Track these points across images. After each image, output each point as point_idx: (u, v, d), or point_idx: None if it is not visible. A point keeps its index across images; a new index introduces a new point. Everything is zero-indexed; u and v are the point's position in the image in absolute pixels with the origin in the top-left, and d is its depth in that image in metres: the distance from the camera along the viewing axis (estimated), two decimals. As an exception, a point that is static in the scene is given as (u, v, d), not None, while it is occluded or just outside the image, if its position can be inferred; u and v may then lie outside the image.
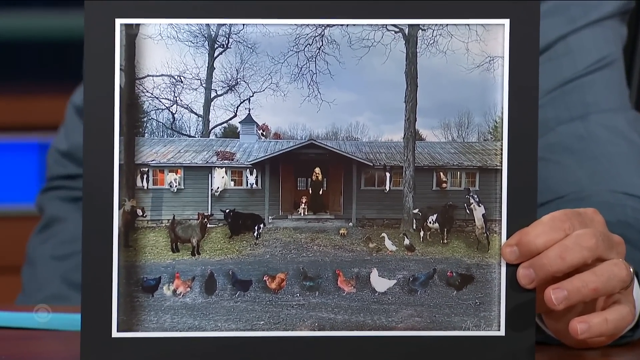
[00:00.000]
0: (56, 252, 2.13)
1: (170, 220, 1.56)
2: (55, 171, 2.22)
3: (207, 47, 1.55)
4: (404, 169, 1.56)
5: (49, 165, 2.20)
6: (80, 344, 1.27)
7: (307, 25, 1.51)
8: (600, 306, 1.32)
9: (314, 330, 1.32)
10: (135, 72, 1.55)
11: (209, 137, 1.56)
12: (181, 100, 1.56)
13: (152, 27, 1.53)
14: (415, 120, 1.55)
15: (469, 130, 1.57)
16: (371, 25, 1.50)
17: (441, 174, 1.57)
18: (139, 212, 1.55)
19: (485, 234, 1.54)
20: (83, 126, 1.47)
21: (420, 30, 1.50)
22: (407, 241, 1.55)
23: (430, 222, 1.56)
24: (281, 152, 1.56)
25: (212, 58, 1.56)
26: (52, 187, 2.20)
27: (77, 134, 1.97)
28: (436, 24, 1.49)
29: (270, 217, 1.57)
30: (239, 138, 1.57)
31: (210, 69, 1.57)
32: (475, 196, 1.57)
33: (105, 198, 1.50)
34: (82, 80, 1.47)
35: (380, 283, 1.51)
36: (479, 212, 1.56)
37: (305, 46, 1.52)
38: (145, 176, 1.56)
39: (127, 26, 1.49)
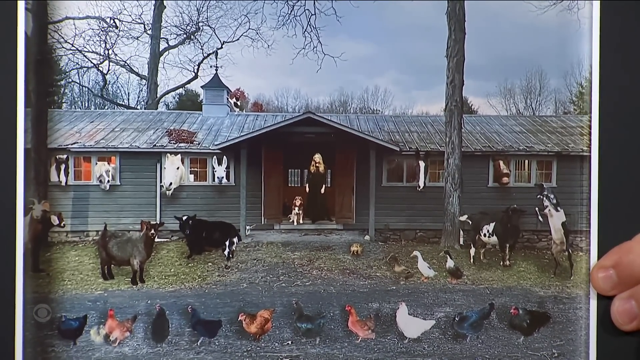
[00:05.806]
0: None
1: (100, 232, 1.31)
2: None
3: (155, -25, 1.33)
4: (445, 155, 1.28)
5: None
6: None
7: (303, -60, 1.30)
8: None
9: (313, 395, 1.19)
10: (47, 14, 1.26)
11: (157, 108, 1.29)
12: (116, 55, 1.29)
13: (72, -56, 1.28)
14: (463, 84, 1.28)
15: (541, 98, 1.29)
16: (398, -59, 1.27)
17: (501, 162, 1.32)
18: (55, 219, 1.30)
19: (567, 252, 1.29)
20: None
21: (470, -51, 1.31)
22: (450, 262, 1.30)
23: (485, 235, 1.33)
24: (264, 130, 1.29)
25: (161, -9, 1.34)
26: None
27: None
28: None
29: (248, 227, 1.33)
30: (201, 110, 1.29)
31: (160, 7, 1.27)
32: (552, 196, 1.31)
33: (5, 200, 1.22)
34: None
35: (412, 325, 1.27)
36: (557, 219, 1.31)
37: (300, -27, 1.30)
38: (63, 167, 1.29)
39: (35, -57, 1.25)
